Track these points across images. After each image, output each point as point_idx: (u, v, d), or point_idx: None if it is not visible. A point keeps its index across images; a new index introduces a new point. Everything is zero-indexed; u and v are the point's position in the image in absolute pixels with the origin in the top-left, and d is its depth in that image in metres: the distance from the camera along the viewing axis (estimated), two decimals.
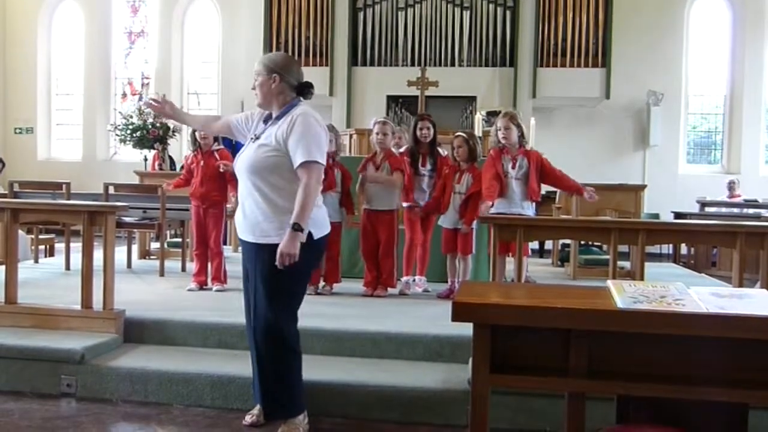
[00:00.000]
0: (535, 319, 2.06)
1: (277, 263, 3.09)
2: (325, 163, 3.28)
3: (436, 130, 5.80)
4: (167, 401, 3.85)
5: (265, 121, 3.37)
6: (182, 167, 6.46)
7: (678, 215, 9.53)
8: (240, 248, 3.53)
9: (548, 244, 9.89)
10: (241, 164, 3.30)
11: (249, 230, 3.27)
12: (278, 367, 3.29)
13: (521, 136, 5.39)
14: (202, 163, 5.74)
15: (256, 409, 3.54)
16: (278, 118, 3.28)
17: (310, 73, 11.90)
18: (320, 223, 3.31)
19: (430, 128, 5.74)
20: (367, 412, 3.69)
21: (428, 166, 5.78)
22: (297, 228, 3.08)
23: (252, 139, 3.34)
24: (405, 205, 5.75)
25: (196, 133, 5.71)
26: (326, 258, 5.49)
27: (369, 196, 5.62)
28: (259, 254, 3.22)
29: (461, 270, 5.59)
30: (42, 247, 8.08)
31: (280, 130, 3.21)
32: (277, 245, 3.11)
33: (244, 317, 3.50)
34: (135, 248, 7.54)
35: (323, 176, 3.33)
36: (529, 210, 5.38)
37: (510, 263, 5.49)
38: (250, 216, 3.25)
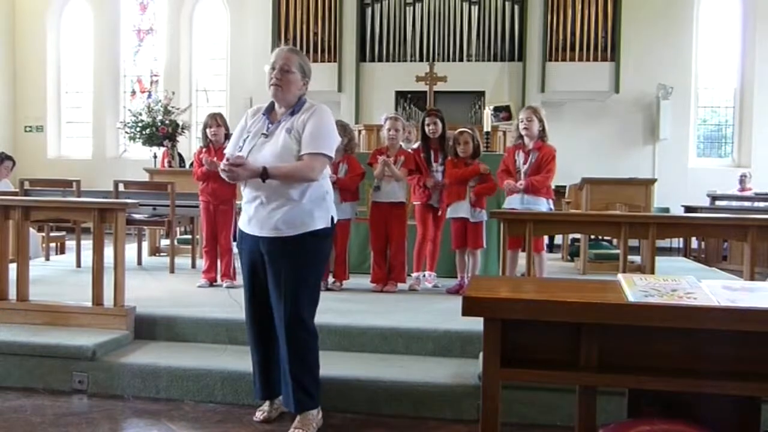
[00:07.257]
0: (545, 313, 2.05)
1: (224, 167, 3.12)
2: (333, 157, 3.31)
3: (444, 125, 5.77)
4: (178, 397, 3.87)
5: (266, 116, 3.35)
6: (192, 164, 6.47)
7: (688, 209, 9.47)
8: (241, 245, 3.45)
9: (558, 239, 9.87)
10: (263, 160, 3.18)
11: (271, 226, 3.22)
12: (304, 353, 3.28)
13: (542, 130, 5.36)
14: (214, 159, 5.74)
15: (267, 405, 3.55)
16: (293, 113, 3.29)
17: (319, 70, 11.91)
18: (328, 210, 3.35)
19: (437, 123, 5.71)
20: (378, 407, 3.70)
21: (440, 161, 5.76)
22: (264, 174, 3.11)
23: (263, 135, 3.28)
24: (416, 202, 5.77)
25: (207, 130, 5.73)
26: (335, 254, 5.49)
27: (381, 188, 5.62)
28: (285, 247, 3.21)
29: (471, 265, 5.58)
30: (53, 244, 8.12)
31: (298, 121, 3.25)
32: (301, 235, 3.19)
33: (249, 317, 3.46)
34: (145, 245, 7.57)
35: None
36: (541, 205, 5.31)
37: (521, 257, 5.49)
38: (272, 212, 3.21)
